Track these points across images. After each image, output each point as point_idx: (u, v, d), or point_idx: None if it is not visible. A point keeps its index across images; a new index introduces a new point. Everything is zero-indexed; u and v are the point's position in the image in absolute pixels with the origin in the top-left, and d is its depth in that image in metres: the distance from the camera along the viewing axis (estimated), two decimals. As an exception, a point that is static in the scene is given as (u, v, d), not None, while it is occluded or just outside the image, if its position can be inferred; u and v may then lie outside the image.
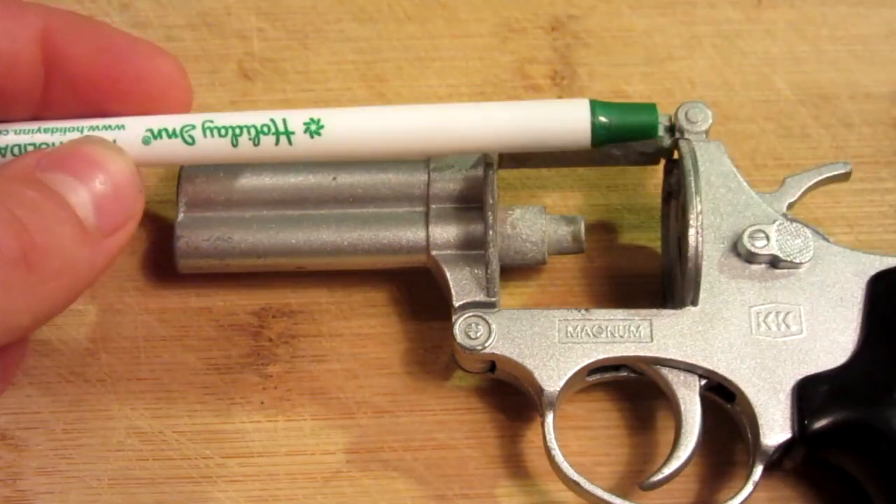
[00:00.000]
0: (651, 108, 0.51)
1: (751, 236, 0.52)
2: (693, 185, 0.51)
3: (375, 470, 0.54)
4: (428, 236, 0.54)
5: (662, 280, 0.56)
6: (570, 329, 0.52)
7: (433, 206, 0.54)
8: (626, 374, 0.53)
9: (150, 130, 0.51)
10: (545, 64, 0.60)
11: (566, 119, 0.51)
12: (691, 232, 0.51)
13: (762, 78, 0.60)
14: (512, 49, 0.61)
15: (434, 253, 0.53)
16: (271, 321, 0.56)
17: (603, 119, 0.51)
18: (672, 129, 0.54)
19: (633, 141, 0.52)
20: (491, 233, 0.52)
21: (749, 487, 0.51)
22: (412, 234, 0.54)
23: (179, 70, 0.52)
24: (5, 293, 0.45)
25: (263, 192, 0.55)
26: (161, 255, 0.57)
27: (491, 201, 0.52)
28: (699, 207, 0.51)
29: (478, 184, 0.53)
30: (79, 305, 0.56)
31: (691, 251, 0.51)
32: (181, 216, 0.55)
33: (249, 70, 0.60)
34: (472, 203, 0.54)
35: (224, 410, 0.55)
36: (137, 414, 0.55)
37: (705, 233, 0.52)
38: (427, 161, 0.55)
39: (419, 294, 0.56)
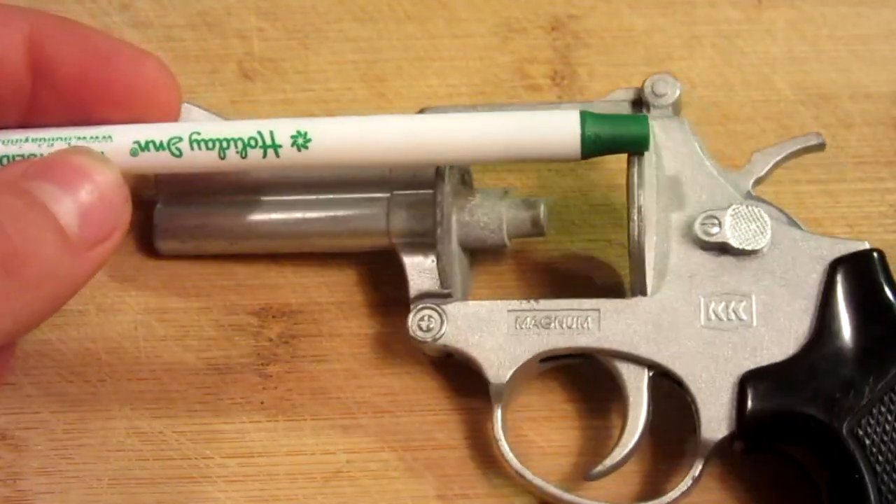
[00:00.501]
0: (643, 120, 0.50)
1: (703, 223, 0.51)
2: (635, 177, 0.50)
3: (375, 470, 0.54)
4: (388, 223, 0.54)
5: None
6: (518, 320, 0.52)
7: (395, 193, 0.54)
8: (579, 359, 0.53)
9: (138, 142, 0.51)
10: (545, 64, 0.60)
11: (556, 131, 0.50)
12: (632, 226, 0.50)
13: (762, 78, 0.60)
14: (512, 49, 0.60)
15: (394, 240, 0.54)
16: (271, 321, 0.56)
17: (593, 132, 0.50)
18: (639, 102, 0.53)
19: (622, 153, 0.51)
20: (440, 230, 0.52)
21: (688, 482, 0.51)
22: (374, 220, 0.54)
23: (165, 72, 0.52)
24: None
25: (237, 179, 0.55)
26: (161, 256, 0.57)
27: (440, 198, 0.52)
28: (640, 201, 0.50)
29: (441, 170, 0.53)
30: (79, 305, 0.56)
31: (633, 245, 0.50)
32: (159, 205, 0.56)
33: (249, 70, 0.60)
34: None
35: (224, 410, 0.55)
36: (137, 414, 0.55)
37: (656, 219, 0.51)
38: None
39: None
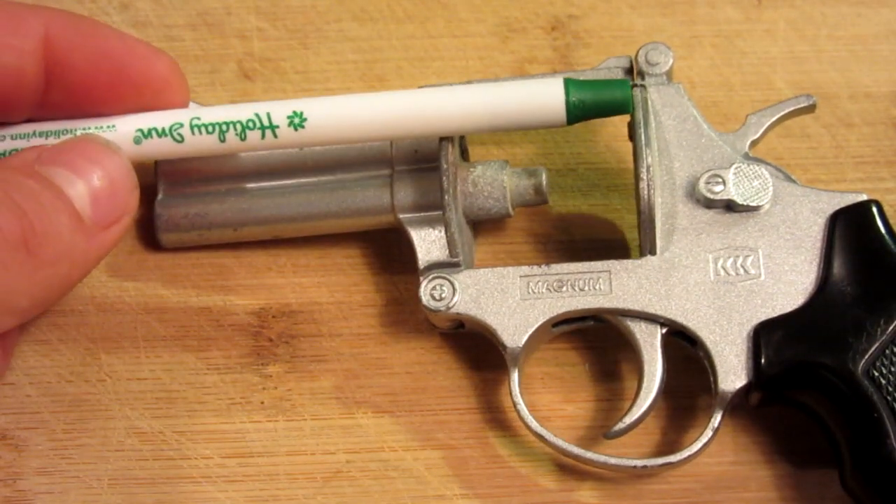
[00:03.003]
0: (624, 84, 0.52)
1: (707, 182, 0.52)
2: (643, 137, 0.52)
3: (375, 470, 0.54)
4: (392, 199, 0.54)
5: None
6: (531, 285, 0.53)
7: (397, 169, 0.55)
8: (591, 322, 0.53)
9: (141, 130, 0.52)
10: (545, 64, 0.60)
11: (541, 99, 0.51)
12: (641, 185, 0.51)
13: (762, 78, 0.60)
14: (512, 49, 0.61)
15: (399, 216, 0.54)
16: (271, 321, 0.56)
17: (577, 98, 0.51)
18: (632, 71, 0.54)
19: (606, 116, 0.52)
20: (447, 197, 0.52)
21: (709, 433, 0.52)
22: (377, 199, 0.55)
23: (176, 71, 0.53)
24: (5, 273, 0.46)
25: (236, 166, 0.55)
26: (161, 255, 0.57)
27: (445, 166, 0.52)
28: (648, 160, 0.51)
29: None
30: (79, 305, 0.56)
31: (642, 204, 0.52)
32: (160, 195, 0.56)
33: (249, 70, 0.60)
34: (435, 163, 0.54)
35: (224, 410, 0.55)
36: (137, 414, 0.55)
37: (661, 181, 0.53)
38: None
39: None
